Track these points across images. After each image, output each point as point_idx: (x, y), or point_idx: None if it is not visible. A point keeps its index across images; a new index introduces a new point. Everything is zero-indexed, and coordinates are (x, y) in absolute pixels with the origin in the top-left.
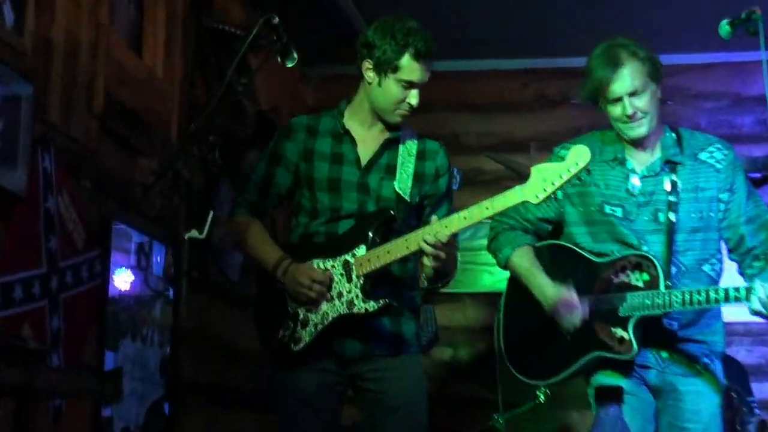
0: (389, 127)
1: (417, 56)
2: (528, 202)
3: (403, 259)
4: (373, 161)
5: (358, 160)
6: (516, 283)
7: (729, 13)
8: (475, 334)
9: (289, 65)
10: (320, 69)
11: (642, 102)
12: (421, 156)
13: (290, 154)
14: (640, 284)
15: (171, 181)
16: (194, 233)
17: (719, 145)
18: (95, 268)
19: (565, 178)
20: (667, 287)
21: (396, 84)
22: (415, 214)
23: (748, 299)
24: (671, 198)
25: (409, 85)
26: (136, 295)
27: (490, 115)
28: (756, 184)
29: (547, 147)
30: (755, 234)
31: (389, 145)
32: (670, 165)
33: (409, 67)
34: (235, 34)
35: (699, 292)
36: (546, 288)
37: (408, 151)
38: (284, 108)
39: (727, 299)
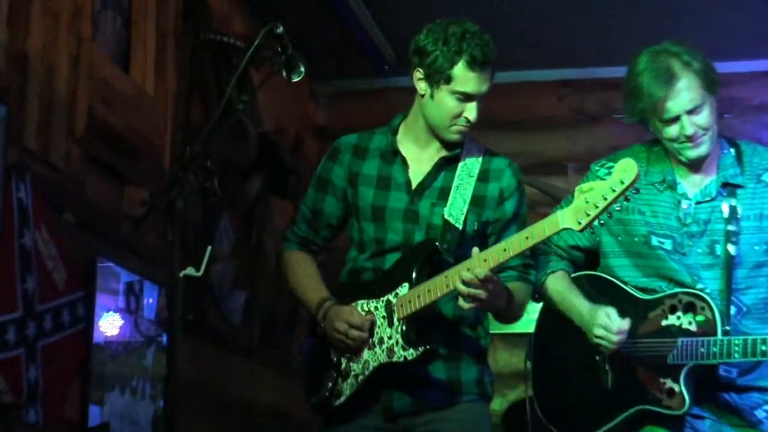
0: (447, 145)
1: (473, 64)
2: (569, 229)
3: (458, 296)
4: (425, 184)
5: (408, 183)
6: (548, 318)
7: None
8: (506, 381)
9: (296, 79)
10: (331, 84)
11: (702, 118)
12: (483, 176)
13: (337, 178)
14: (693, 328)
15: (164, 213)
16: (190, 271)
17: None
18: (78, 311)
19: (610, 198)
20: (725, 333)
21: (450, 96)
22: (473, 245)
23: None
24: (730, 227)
25: (466, 97)
26: (124, 341)
27: (522, 133)
28: None
29: (587, 168)
30: None
31: (446, 165)
32: (729, 188)
33: (464, 76)
34: (236, 45)
35: (765, 341)
36: (583, 307)
37: (468, 171)
38: (290, 129)
39: None
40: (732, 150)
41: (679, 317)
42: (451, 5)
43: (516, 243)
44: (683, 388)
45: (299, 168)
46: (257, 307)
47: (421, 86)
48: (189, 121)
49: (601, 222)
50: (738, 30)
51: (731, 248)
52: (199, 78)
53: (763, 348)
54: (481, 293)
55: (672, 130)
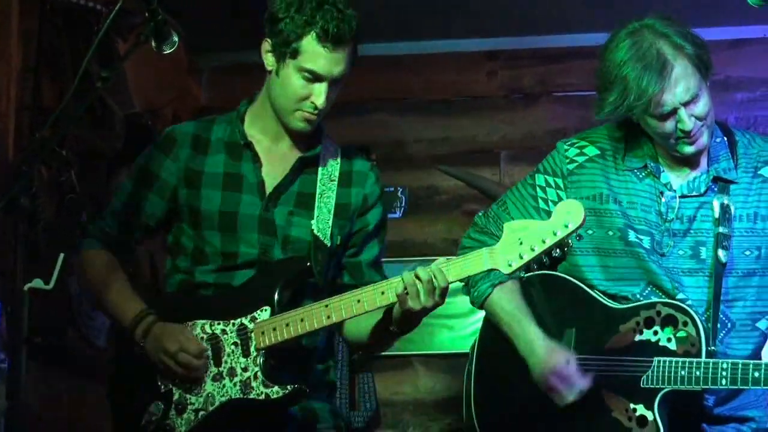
0: (302, 139)
1: (323, 38)
2: (497, 270)
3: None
4: (281, 188)
5: (261, 184)
6: (493, 331)
7: None
8: (428, 411)
9: (167, 51)
10: (215, 57)
11: (700, 107)
12: (345, 181)
13: (167, 175)
14: (673, 346)
15: (3, 213)
16: (38, 284)
17: None
18: None
19: (550, 243)
20: (709, 354)
21: (296, 74)
22: (335, 261)
23: None
24: (721, 229)
25: (314, 77)
26: None
27: (446, 116)
28: None
29: (523, 156)
30: None
31: (304, 167)
32: (721, 184)
33: (312, 51)
34: (96, 10)
35: (758, 367)
36: (535, 344)
37: (329, 174)
38: (166, 110)
39: None
40: (725, 139)
41: (656, 332)
42: None
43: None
44: (657, 417)
45: None
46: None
47: (269, 60)
48: (39, 101)
49: (535, 266)
50: None
51: (722, 254)
52: (50, 50)
53: (756, 375)
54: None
55: (668, 126)
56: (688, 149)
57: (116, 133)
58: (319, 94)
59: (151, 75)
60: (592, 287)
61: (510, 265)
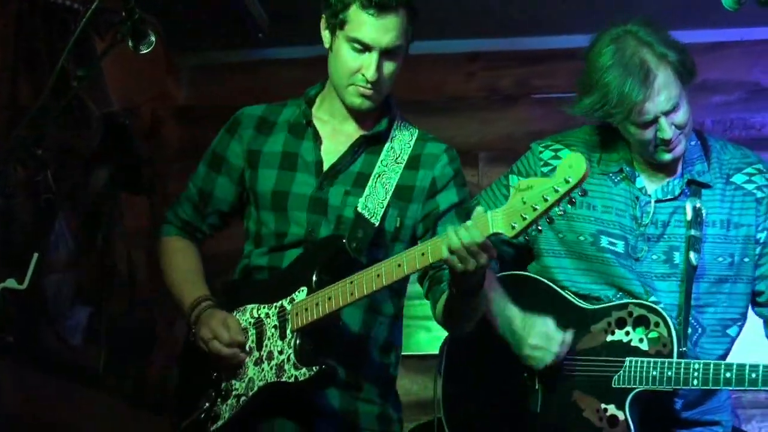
0: (368, 119)
1: (367, 5)
2: (500, 234)
3: (369, 309)
4: (338, 167)
5: (318, 163)
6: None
7: None
8: (406, 413)
9: (144, 50)
10: (194, 56)
11: (680, 116)
12: (413, 163)
13: (233, 156)
14: (645, 347)
15: None
16: (11, 283)
17: (760, 166)
18: None
19: (551, 200)
20: (681, 354)
21: (346, 45)
22: (392, 245)
23: None
24: (693, 232)
25: (363, 47)
26: None
27: (425, 116)
28: None
29: (502, 158)
30: None
31: (367, 146)
32: (695, 187)
33: (357, 20)
34: (74, 9)
35: (729, 368)
36: (514, 316)
37: (395, 156)
38: (145, 109)
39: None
40: (699, 142)
41: (628, 333)
42: None
43: (436, 249)
44: (628, 417)
45: (156, 156)
46: (104, 326)
47: (325, 37)
48: (16, 100)
49: (539, 228)
50: None
51: (693, 257)
52: (27, 48)
53: (728, 375)
54: (471, 262)
55: (648, 134)
56: (666, 156)
57: (93, 132)
58: (369, 65)
59: (130, 74)
60: (564, 288)
61: (513, 227)
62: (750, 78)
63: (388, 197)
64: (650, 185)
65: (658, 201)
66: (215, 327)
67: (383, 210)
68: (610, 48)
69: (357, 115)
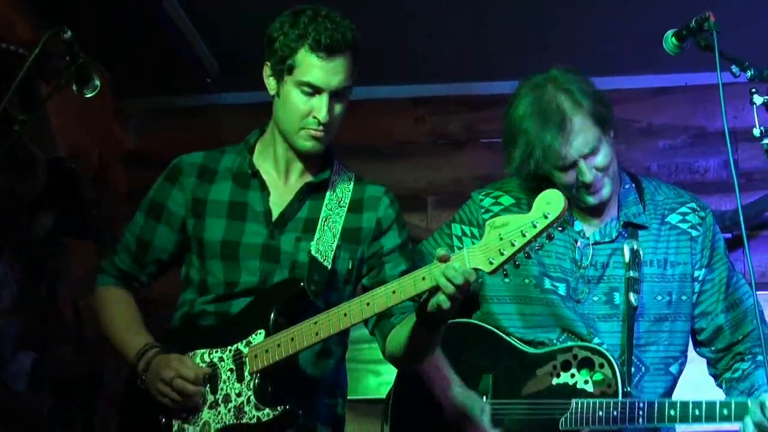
0: (312, 165)
1: (316, 48)
2: (480, 270)
3: (321, 352)
4: (287, 215)
5: (268, 213)
6: (408, 379)
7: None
8: None
9: (89, 95)
10: (143, 102)
11: (600, 159)
12: (355, 206)
13: (175, 205)
14: (590, 388)
15: None
16: None
17: (694, 205)
18: None
19: (530, 236)
20: (626, 394)
21: (295, 89)
22: (344, 287)
23: (741, 418)
24: (632, 273)
25: (313, 90)
26: None
27: (373, 161)
28: None
29: (450, 202)
30: (738, 326)
31: (311, 193)
32: (631, 229)
33: (307, 63)
34: (18, 53)
35: (673, 406)
36: (450, 391)
37: (337, 200)
38: (92, 154)
39: (711, 418)
40: (633, 185)
41: (573, 375)
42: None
43: (407, 285)
44: None
45: (103, 201)
46: (49, 372)
47: (270, 84)
48: None
49: (517, 263)
50: (624, 41)
51: (633, 297)
52: None
53: (672, 413)
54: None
55: (569, 177)
56: (590, 200)
57: (36, 177)
58: (320, 107)
59: (77, 119)
60: (508, 334)
61: (491, 263)
62: (694, 123)
63: (336, 240)
64: (588, 228)
65: (596, 243)
66: (177, 366)
67: (333, 253)
68: (528, 97)
69: (301, 160)
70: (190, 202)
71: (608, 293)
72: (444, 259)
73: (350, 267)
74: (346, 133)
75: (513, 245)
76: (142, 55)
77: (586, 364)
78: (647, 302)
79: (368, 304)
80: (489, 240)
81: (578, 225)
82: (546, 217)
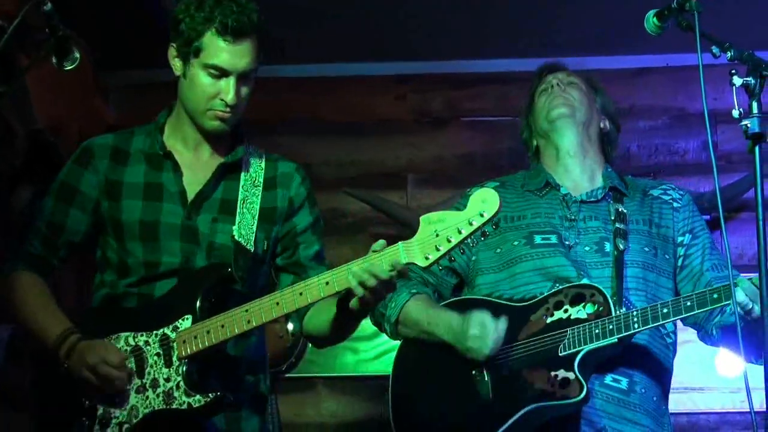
0: (222, 145)
1: (223, 32)
2: (414, 264)
3: (244, 334)
4: (203, 196)
5: (183, 193)
6: (409, 351)
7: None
8: None
9: (69, 67)
10: (124, 75)
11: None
12: (269, 184)
13: (87, 188)
14: (584, 316)
15: None
16: None
17: (673, 187)
18: None
19: (466, 233)
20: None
21: (202, 72)
22: (263, 269)
23: (729, 297)
24: (619, 225)
25: (220, 73)
26: None
27: (354, 138)
28: None
29: (430, 181)
30: (725, 281)
31: (226, 173)
32: (616, 194)
33: (214, 46)
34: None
35: (665, 305)
36: (452, 319)
37: (252, 179)
38: (73, 127)
39: (703, 303)
40: (615, 173)
41: (566, 310)
42: None
43: (343, 276)
44: (578, 375)
45: None
46: (29, 345)
47: (176, 65)
48: None
49: (452, 258)
50: (605, 21)
51: (620, 244)
52: None
53: (665, 311)
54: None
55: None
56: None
57: (16, 150)
58: (228, 89)
59: (57, 93)
60: (499, 298)
61: (427, 258)
62: (675, 104)
63: (255, 222)
64: (574, 192)
65: (583, 202)
66: (101, 351)
67: (254, 236)
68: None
69: (211, 140)
70: (103, 184)
71: (599, 242)
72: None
73: (265, 248)
74: (327, 110)
75: (449, 242)
76: (124, 29)
77: (577, 299)
78: (635, 249)
79: (301, 294)
80: (424, 235)
81: (564, 189)
82: (482, 216)
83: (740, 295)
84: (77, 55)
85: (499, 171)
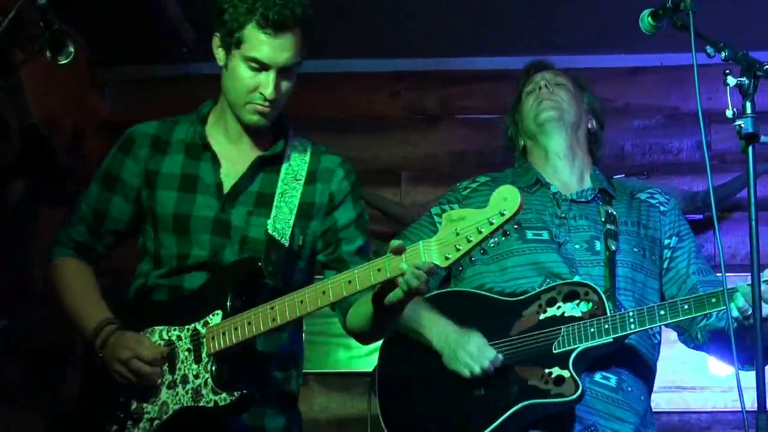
0: (264, 137)
1: (264, 25)
2: (434, 264)
3: (275, 328)
4: (239, 188)
5: (219, 186)
6: (393, 345)
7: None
8: (323, 430)
9: (63, 62)
10: (119, 71)
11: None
12: (311, 179)
13: (129, 176)
14: (578, 314)
15: None
16: None
17: (660, 190)
18: None
19: (486, 232)
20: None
21: (243, 64)
22: (299, 264)
23: (730, 301)
24: (610, 227)
25: (260, 66)
26: None
27: (348, 135)
28: (696, 228)
29: (424, 178)
30: (710, 286)
31: (265, 166)
32: (605, 195)
33: (254, 39)
34: None
35: (662, 307)
36: (449, 330)
37: (293, 173)
38: (67, 121)
39: (701, 307)
40: (603, 176)
41: (560, 307)
42: None
43: (363, 276)
44: (573, 373)
45: (78, 169)
46: (20, 340)
47: (219, 55)
48: None
49: (472, 258)
50: (600, 20)
51: (612, 244)
52: None
53: (662, 312)
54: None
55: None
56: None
57: (10, 144)
58: (267, 84)
59: (51, 87)
60: (489, 290)
61: (447, 258)
62: (669, 103)
63: (293, 216)
64: (565, 191)
65: (573, 201)
66: (134, 346)
67: (290, 230)
68: None
69: (252, 133)
70: (144, 173)
71: (589, 241)
72: (398, 251)
73: (300, 243)
74: (321, 107)
75: (469, 241)
76: (119, 24)
77: (571, 296)
78: (624, 251)
79: (324, 292)
80: (446, 234)
81: (554, 188)
82: (503, 215)
83: (741, 301)
84: (72, 49)
85: (492, 168)
